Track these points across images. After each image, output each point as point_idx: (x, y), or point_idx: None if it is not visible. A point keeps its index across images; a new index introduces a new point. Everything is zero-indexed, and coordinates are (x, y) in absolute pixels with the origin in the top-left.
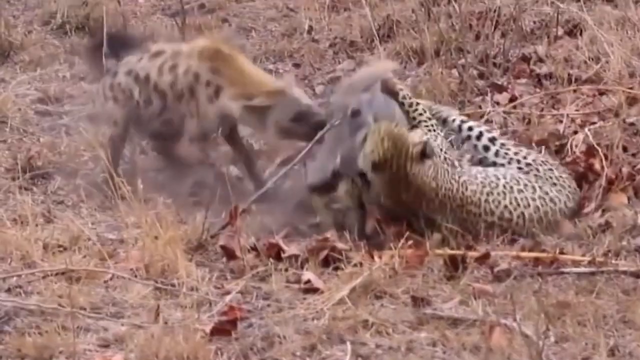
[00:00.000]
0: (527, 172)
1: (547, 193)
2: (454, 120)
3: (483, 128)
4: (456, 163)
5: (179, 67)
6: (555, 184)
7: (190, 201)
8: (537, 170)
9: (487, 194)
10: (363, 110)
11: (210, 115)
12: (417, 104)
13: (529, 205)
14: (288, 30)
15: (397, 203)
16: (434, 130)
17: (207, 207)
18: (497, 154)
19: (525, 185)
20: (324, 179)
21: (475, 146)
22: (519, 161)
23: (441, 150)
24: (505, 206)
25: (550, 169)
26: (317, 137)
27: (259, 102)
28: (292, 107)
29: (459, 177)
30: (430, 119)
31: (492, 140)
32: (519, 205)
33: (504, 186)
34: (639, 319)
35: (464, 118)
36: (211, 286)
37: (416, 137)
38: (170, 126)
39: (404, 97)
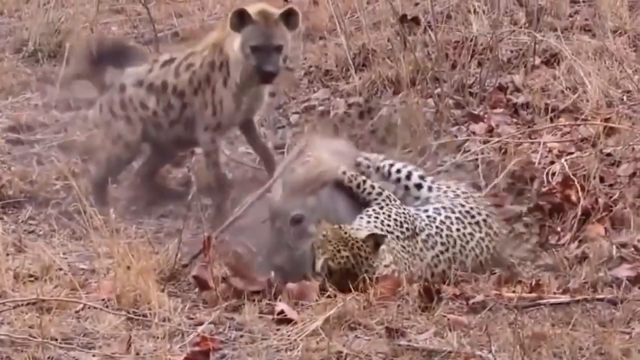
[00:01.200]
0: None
1: (481, 240)
2: (383, 167)
3: (410, 167)
4: (418, 226)
5: (195, 64)
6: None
7: (163, 231)
8: (471, 208)
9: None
10: (306, 217)
11: (227, 102)
12: (364, 182)
13: (482, 251)
14: None
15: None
16: (387, 205)
17: (180, 237)
18: (430, 189)
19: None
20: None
21: (407, 187)
22: (454, 191)
23: (397, 224)
24: (462, 262)
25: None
26: (278, 174)
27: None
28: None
29: (420, 251)
30: (380, 194)
31: (422, 177)
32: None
33: (460, 237)
34: (615, 351)
35: (391, 161)
36: (183, 317)
37: (362, 232)
38: (191, 123)
39: (349, 181)
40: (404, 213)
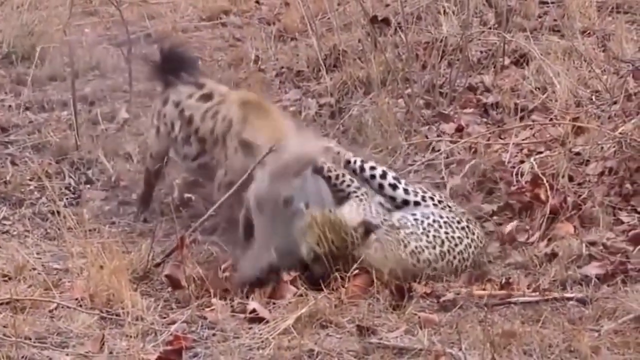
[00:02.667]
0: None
1: (468, 246)
2: (355, 162)
3: (385, 167)
4: (396, 223)
5: (219, 113)
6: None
7: (136, 231)
8: (450, 207)
9: (441, 254)
10: (295, 197)
11: (236, 167)
12: (343, 175)
13: (469, 257)
14: (235, 60)
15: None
16: (365, 200)
17: (153, 236)
18: (406, 192)
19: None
20: (257, 272)
21: (381, 185)
22: (432, 198)
23: (377, 213)
24: (449, 262)
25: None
26: (253, 167)
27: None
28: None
29: (404, 238)
30: (359, 188)
31: (397, 179)
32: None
33: (447, 237)
34: (585, 348)
35: (363, 159)
36: (156, 315)
37: (354, 218)
38: (205, 170)
39: (329, 171)
40: (382, 207)
